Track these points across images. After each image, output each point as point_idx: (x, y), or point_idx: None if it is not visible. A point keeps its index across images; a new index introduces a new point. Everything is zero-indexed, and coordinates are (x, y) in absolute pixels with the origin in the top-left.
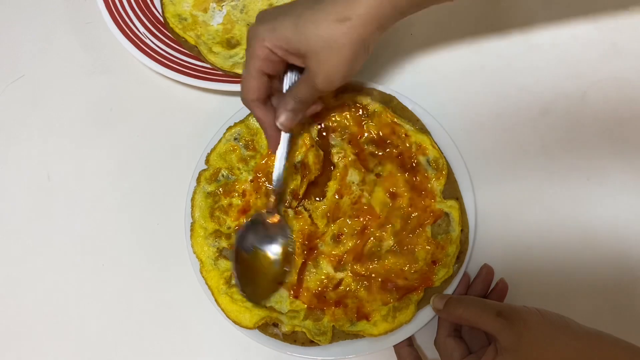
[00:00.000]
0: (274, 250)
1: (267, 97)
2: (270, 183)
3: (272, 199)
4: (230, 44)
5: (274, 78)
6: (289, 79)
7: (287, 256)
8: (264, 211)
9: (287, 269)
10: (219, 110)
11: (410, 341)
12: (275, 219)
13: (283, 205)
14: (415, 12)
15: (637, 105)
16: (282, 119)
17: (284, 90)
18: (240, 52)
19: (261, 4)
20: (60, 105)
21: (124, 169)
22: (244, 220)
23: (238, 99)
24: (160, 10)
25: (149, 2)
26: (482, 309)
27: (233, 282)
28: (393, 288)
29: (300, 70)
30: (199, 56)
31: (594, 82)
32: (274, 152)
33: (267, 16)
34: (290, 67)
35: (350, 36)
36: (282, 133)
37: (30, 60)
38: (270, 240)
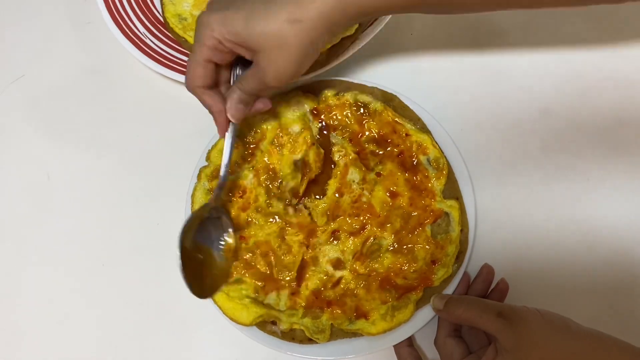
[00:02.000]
0: (216, 244)
1: (213, 84)
2: (271, 181)
3: (215, 192)
4: None
5: (221, 67)
6: (238, 70)
7: (229, 249)
8: (205, 205)
9: (231, 261)
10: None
11: (410, 341)
12: (216, 213)
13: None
14: (364, 20)
15: (637, 105)
16: (232, 110)
17: (231, 82)
18: None
19: None
20: (60, 105)
21: (124, 168)
22: (246, 217)
23: None
24: (160, 10)
25: (149, 2)
26: (483, 309)
27: (230, 280)
28: (392, 287)
29: (248, 62)
30: None
31: (594, 82)
32: (222, 137)
33: (219, 5)
34: (239, 58)
35: (301, 38)
36: (231, 123)
37: (30, 60)
38: (211, 234)
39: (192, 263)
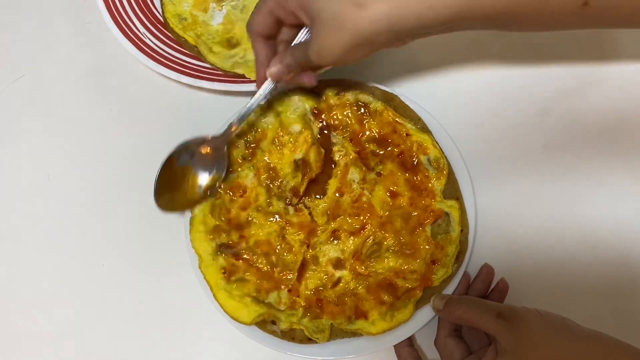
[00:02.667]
0: (203, 176)
1: (270, 35)
2: (272, 180)
3: (227, 129)
4: (230, 44)
5: (286, 24)
6: (300, 36)
7: (212, 188)
8: (209, 136)
9: (208, 195)
10: (219, 110)
11: (410, 341)
12: (210, 149)
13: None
14: (439, 34)
15: (637, 105)
16: (273, 68)
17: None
18: (240, 52)
19: None
20: (60, 105)
21: (124, 168)
22: (246, 216)
23: (238, 99)
24: (160, 10)
25: (149, 2)
26: (482, 310)
27: (232, 278)
28: (392, 287)
29: None
30: (199, 56)
31: (594, 82)
32: (257, 88)
33: None
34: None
35: (358, 25)
36: (269, 83)
37: (30, 60)
38: (206, 165)
39: (172, 177)
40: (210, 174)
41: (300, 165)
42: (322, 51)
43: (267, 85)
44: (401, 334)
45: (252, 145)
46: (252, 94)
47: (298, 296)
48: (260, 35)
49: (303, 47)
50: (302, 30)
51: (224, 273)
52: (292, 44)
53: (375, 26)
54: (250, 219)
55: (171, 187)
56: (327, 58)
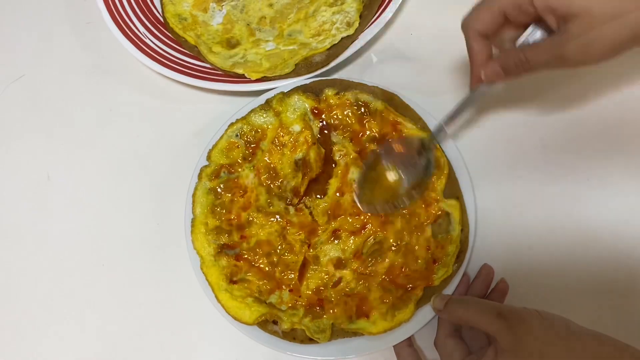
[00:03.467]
0: (406, 176)
1: (491, 34)
2: (272, 180)
3: (439, 130)
4: (230, 44)
5: (511, 24)
6: (528, 35)
7: (419, 187)
8: (427, 138)
9: (412, 195)
10: (219, 110)
11: (410, 341)
12: (435, 150)
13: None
14: None
15: (638, 105)
16: (491, 68)
17: (517, 45)
18: (240, 52)
19: (261, 4)
20: (60, 105)
21: (124, 168)
22: (247, 216)
23: (238, 98)
24: (160, 10)
25: (149, 2)
26: (482, 310)
27: (233, 278)
28: (392, 286)
29: (546, 32)
30: (199, 56)
31: (594, 82)
32: (472, 90)
33: None
34: (535, 25)
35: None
36: (483, 85)
37: (30, 60)
38: (413, 165)
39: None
40: (415, 174)
41: (301, 165)
42: (591, 47)
43: (481, 89)
44: (401, 334)
45: (252, 145)
46: (252, 94)
47: (300, 296)
48: (480, 34)
49: (549, 47)
50: (527, 30)
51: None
52: (523, 44)
53: None
54: (251, 219)
55: (370, 188)
56: (594, 55)
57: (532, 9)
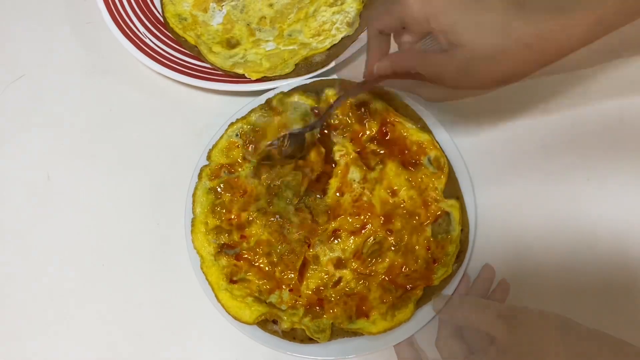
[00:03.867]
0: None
1: (392, 32)
2: (272, 180)
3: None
4: (230, 44)
5: (410, 33)
6: (426, 42)
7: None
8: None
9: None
10: (219, 110)
11: (410, 341)
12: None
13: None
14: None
15: (638, 105)
16: (383, 65)
17: (416, 47)
18: (240, 52)
19: (261, 4)
20: (60, 105)
21: (124, 168)
22: (247, 216)
23: (238, 98)
24: (160, 10)
25: (149, 2)
26: (483, 310)
27: (233, 278)
28: (392, 286)
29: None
30: (199, 56)
31: (594, 82)
32: (364, 78)
33: None
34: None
35: (525, 67)
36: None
37: (30, 60)
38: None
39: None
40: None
41: (301, 165)
42: (468, 76)
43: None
44: (401, 334)
45: (253, 145)
46: (252, 94)
47: (300, 296)
48: (380, 31)
49: (434, 60)
50: (427, 39)
51: (225, 274)
52: (421, 46)
53: (536, 67)
54: (251, 219)
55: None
56: (469, 83)
57: (427, 25)
